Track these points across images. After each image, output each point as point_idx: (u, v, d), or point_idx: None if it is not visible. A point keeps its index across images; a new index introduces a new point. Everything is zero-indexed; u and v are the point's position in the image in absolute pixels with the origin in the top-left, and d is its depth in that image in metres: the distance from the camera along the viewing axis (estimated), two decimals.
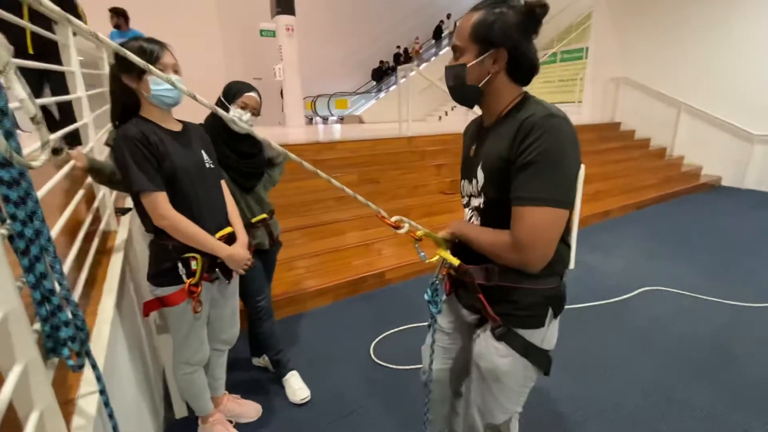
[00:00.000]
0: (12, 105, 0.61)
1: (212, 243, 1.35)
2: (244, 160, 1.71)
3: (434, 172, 4.66)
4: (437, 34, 13.21)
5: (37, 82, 2.77)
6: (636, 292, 2.91)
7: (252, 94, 1.64)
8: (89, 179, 1.59)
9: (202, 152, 1.41)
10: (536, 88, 7.55)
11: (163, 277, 1.34)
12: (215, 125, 1.64)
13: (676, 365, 2.10)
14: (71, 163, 1.31)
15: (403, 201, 4.12)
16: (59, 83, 2.73)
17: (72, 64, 1.63)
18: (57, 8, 0.62)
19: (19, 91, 0.48)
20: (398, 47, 13.24)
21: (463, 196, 1.10)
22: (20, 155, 0.52)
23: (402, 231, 1.01)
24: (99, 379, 0.75)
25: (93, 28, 0.71)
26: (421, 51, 13.25)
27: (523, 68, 0.93)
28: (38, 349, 0.62)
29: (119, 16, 4.58)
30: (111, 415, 0.78)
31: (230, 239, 1.44)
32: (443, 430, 1.40)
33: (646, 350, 2.23)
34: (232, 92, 1.63)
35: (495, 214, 0.96)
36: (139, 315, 1.70)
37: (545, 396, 1.89)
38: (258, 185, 1.80)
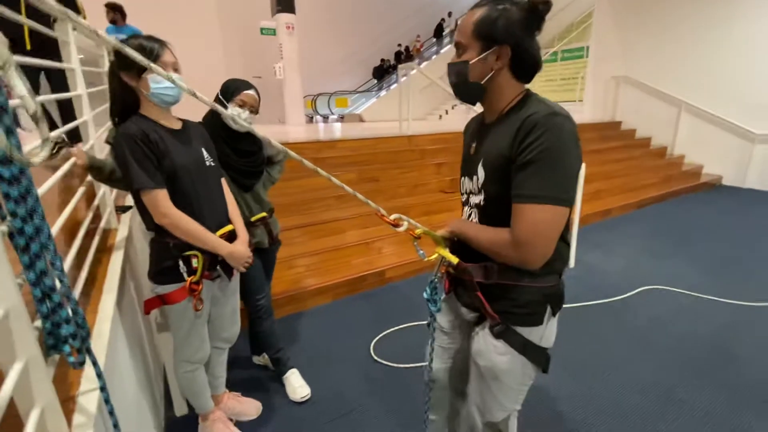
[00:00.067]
0: (12, 102, 0.61)
1: (213, 240, 1.35)
2: (244, 158, 1.70)
3: (434, 170, 4.66)
4: (438, 32, 13.18)
5: (35, 78, 2.76)
6: (636, 291, 2.90)
7: (250, 92, 1.62)
8: (89, 177, 1.58)
9: (202, 150, 1.41)
10: (537, 87, 7.52)
11: (164, 275, 1.35)
12: (214, 124, 1.62)
13: (675, 364, 2.10)
14: (72, 160, 1.31)
15: (402, 200, 4.12)
16: (59, 81, 2.72)
17: (72, 61, 1.62)
18: (57, 4, 0.62)
19: (20, 88, 0.48)
20: (399, 45, 13.22)
21: (462, 193, 1.10)
22: (20, 152, 0.52)
23: (401, 229, 1.01)
24: (99, 376, 0.75)
25: (88, 24, 0.70)
26: (422, 49, 13.24)
27: (526, 65, 0.93)
28: (39, 346, 0.62)
29: (115, 11, 4.53)
30: (111, 413, 0.78)
31: (231, 237, 1.44)
32: (444, 429, 1.40)
33: (646, 349, 2.23)
34: (230, 90, 1.60)
35: (494, 212, 0.96)
36: (140, 313, 1.70)
37: (544, 394, 1.89)
38: (257, 184, 1.79)
